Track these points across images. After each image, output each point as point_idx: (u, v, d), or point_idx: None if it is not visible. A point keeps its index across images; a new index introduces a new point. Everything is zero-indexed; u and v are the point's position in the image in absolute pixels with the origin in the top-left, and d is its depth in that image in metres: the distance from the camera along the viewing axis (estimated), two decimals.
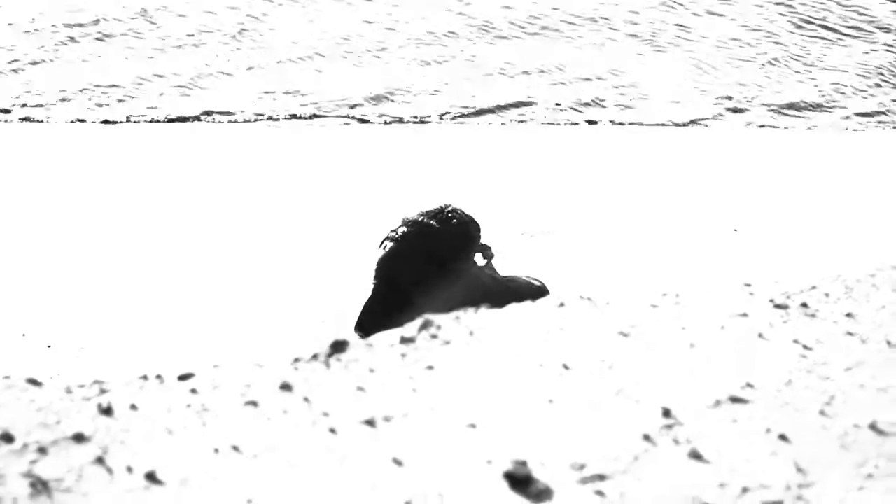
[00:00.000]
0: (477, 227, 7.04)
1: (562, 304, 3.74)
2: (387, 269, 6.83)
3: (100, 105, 13.20)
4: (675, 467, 2.85)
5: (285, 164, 11.41)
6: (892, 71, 14.87)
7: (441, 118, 13.29)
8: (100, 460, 2.81)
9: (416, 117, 13.34)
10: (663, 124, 13.20)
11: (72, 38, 14.71)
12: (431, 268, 6.79)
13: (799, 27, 16.05)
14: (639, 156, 12.02)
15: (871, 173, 11.52)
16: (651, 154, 12.09)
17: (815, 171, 11.52)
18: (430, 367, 3.28)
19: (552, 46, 15.21)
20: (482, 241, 7.15)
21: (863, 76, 14.75)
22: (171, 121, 12.85)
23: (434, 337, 3.46)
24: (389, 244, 6.82)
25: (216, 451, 2.86)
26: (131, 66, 14.06)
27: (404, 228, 6.82)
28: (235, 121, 13.10)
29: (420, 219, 6.85)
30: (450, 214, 6.90)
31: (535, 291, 6.87)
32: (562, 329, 3.53)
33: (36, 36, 14.74)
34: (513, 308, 3.74)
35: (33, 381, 3.18)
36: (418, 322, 3.54)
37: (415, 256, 6.80)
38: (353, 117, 13.35)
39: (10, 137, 12.12)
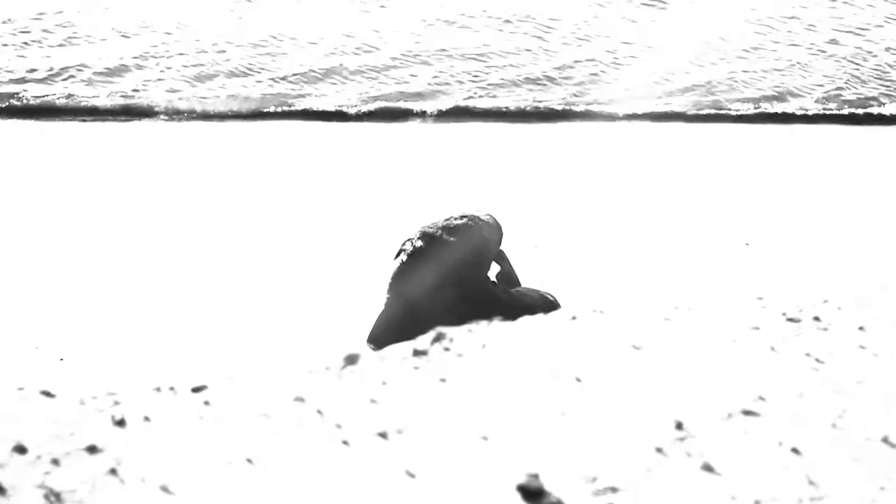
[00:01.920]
0: (498, 233, 7.03)
1: (574, 317, 3.74)
2: (400, 284, 6.83)
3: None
4: (687, 480, 2.85)
5: (291, 175, 11.43)
6: None
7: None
8: (113, 472, 2.82)
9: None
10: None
11: None
12: (445, 283, 6.79)
13: None
14: (652, 160, 12.02)
15: (885, 182, 11.50)
16: (664, 157, 12.09)
17: (828, 183, 11.51)
18: (443, 380, 3.28)
19: None
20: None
21: None
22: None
23: (447, 349, 3.47)
24: (404, 257, 6.82)
25: (229, 463, 2.87)
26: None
27: (420, 242, 6.81)
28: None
29: (436, 232, 6.84)
30: (470, 224, 6.88)
31: (547, 305, 6.87)
32: (574, 342, 3.53)
33: None
34: (525, 321, 3.74)
35: (46, 393, 3.19)
36: (431, 334, 3.54)
37: (428, 272, 6.80)
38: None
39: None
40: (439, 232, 6.83)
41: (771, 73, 14.92)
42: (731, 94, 14.37)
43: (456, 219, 6.91)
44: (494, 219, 7.07)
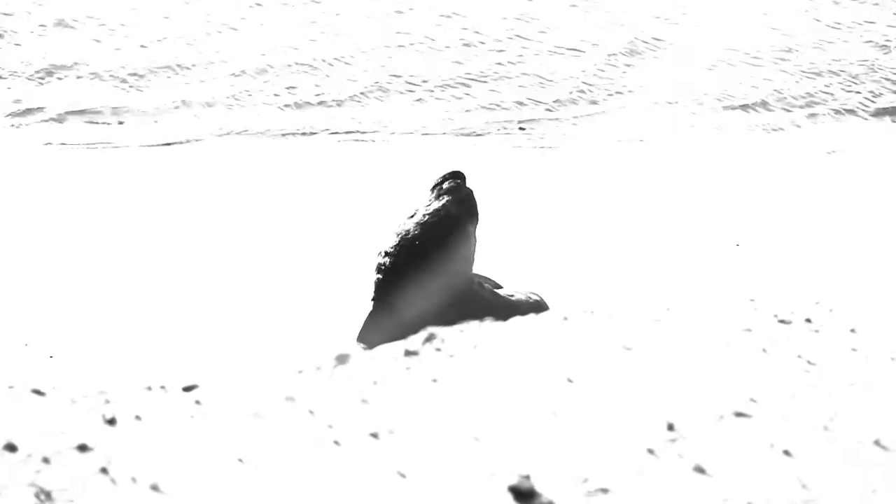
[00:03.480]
0: (471, 215, 6.92)
1: (565, 318, 3.74)
2: (383, 292, 6.82)
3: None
4: (679, 481, 2.85)
5: (280, 177, 11.43)
6: None
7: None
8: (104, 471, 2.81)
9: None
10: None
11: None
12: (426, 283, 6.78)
13: None
14: (640, 168, 12.02)
15: (877, 185, 11.51)
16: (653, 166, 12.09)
17: (819, 184, 11.52)
18: (435, 380, 3.28)
19: None
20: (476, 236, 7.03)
21: None
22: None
23: (438, 350, 3.46)
24: (382, 267, 6.80)
25: (220, 462, 2.86)
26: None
27: (395, 248, 6.77)
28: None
29: (408, 234, 6.78)
30: (439, 213, 6.82)
31: (533, 306, 6.85)
32: (565, 343, 3.53)
33: None
34: (516, 321, 3.74)
35: (37, 392, 3.18)
36: (423, 335, 3.54)
37: (408, 277, 6.78)
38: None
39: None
40: (410, 235, 6.76)
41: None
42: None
43: (428, 216, 6.82)
44: (461, 190, 6.92)
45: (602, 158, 12.46)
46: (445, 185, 7.00)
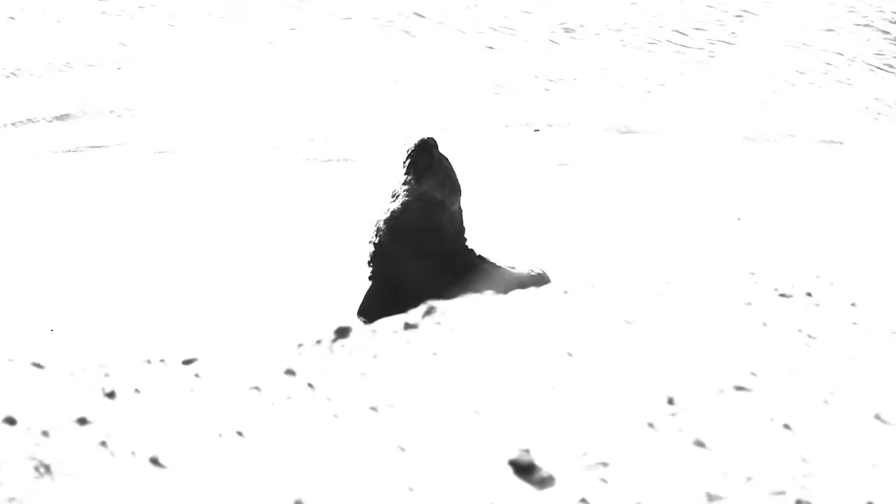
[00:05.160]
0: (453, 189, 6.76)
1: (566, 292, 3.74)
2: (382, 275, 6.82)
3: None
4: (678, 455, 2.85)
5: (276, 160, 11.44)
6: None
7: None
8: (103, 444, 2.81)
9: None
10: None
11: None
12: (422, 261, 6.76)
13: None
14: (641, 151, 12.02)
15: (877, 163, 11.50)
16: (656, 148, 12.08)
17: (821, 161, 11.51)
18: (435, 354, 3.28)
19: None
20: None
21: None
22: None
23: (438, 323, 3.46)
24: (373, 256, 6.78)
25: (220, 435, 2.86)
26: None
27: (382, 234, 6.73)
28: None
29: (394, 219, 6.71)
30: (423, 200, 6.72)
31: (534, 279, 6.84)
32: (566, 316, 3.53)
33: None
34: (517, 295, 3.73)
35: (37, 365, 3.18)
36: (423, 308, 3.53)
37: (401, 259, 6.76)
38: None
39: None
40: (401, 221, 6.67)
41: None
42: None
43: (410, 200, 6.69)
44: (439, 168, 6.75)
45: (603, 137, 12.45)
46: (421, 164, 6.72)
